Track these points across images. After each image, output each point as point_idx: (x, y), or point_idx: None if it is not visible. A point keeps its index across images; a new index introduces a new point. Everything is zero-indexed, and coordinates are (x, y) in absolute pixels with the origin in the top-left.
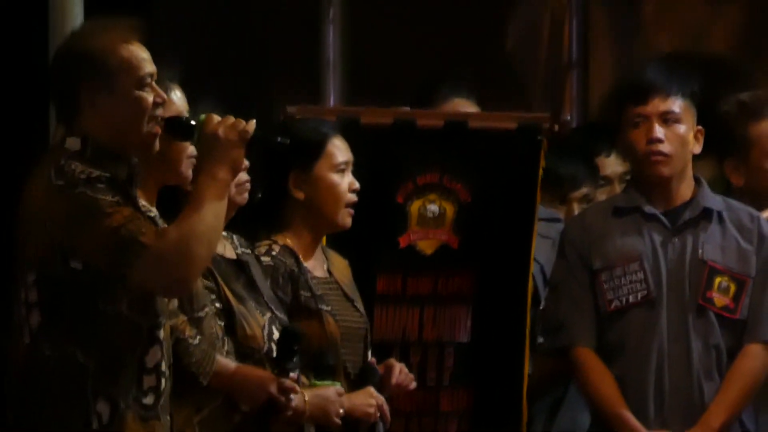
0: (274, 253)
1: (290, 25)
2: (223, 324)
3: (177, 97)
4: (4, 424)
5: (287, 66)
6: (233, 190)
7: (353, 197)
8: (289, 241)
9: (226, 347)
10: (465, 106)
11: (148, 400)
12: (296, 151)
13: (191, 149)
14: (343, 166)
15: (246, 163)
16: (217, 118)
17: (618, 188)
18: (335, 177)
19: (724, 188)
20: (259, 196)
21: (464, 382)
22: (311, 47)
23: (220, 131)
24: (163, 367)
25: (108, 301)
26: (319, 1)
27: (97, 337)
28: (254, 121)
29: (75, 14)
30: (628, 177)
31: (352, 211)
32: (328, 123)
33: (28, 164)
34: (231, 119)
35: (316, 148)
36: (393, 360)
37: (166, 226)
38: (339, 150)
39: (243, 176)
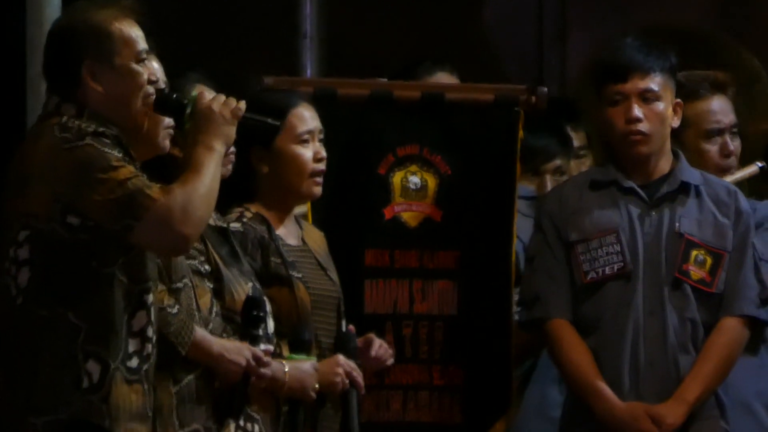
0: (245, 219)
1: None
2: (212, 287)
3: (155, 68)
4: None
5: (265, 38)
6: None
7: (320, 166)
8: (261, 209)
9: (215, 308)
10: (447, 79)
11: (132, 363)
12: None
13: (167, 121)
14: (306, 136)
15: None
16: (208, 94)
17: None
18: (297, 148)
19: None
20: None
21: (455, 359)
22: (288, 19)
23: (215, 106)
24: (150, 333)
25: (102, 262)
26: None
27: (90, 298)
28: (244, 101)
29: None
30: (582, 152)
31: (319, 180)
32: (291, 93)
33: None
34: (223, 97)
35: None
36: (372, 334)
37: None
38: (300, 120)
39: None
